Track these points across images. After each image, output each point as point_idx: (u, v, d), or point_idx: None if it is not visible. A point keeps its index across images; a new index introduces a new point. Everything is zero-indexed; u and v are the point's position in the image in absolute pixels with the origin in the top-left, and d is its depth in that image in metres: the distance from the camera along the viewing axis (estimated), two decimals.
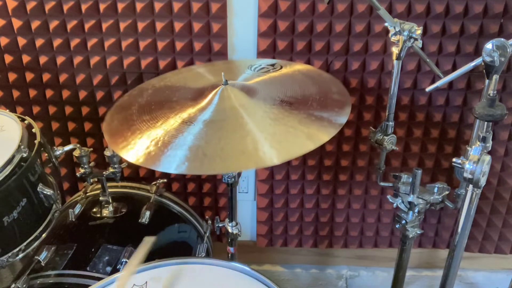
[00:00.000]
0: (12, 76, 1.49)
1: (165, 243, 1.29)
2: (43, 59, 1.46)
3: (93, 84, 1.49)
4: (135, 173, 1.62)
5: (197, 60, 1.44)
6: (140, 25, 1.40)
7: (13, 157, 1.07)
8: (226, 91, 1.05)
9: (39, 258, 1.12)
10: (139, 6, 1.38)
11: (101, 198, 1.29)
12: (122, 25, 1.41)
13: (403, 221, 1.22)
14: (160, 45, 1.43)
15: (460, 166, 0.98)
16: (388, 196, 1.22)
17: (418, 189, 1.17)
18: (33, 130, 1.20)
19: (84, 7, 1.38)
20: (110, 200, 1.30)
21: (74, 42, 1.44)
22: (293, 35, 1.40)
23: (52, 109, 1.54)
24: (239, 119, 0.97)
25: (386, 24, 1.09)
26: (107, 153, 1.29)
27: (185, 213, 1.39)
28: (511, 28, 1.34)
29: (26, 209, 1.11)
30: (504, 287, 1.67)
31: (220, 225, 1.26)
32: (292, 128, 0.94)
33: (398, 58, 1.10)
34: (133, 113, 1.07)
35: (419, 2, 1.33)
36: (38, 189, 1.15)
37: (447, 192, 1.19)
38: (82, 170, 1.29)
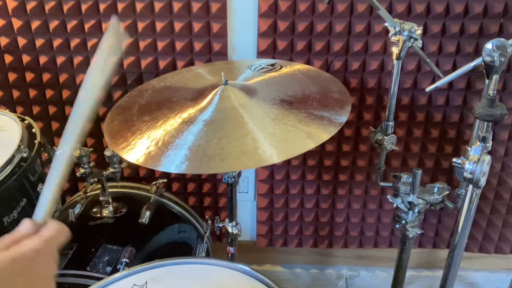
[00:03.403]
0: (12, 76, 1.49)
1: (165, 243, 1.29)
2: (43, 59, 1.46)
3: None
4: (135, 173, 1.62)
5: (197, 60, 1.44)
6: (140, 25, 1.40)
7: (13, 157, 1.07)
8: (226, 91, 1.05)
9: None
10: (139, 6, 1.38)
11: (101, 198, 1.29)
12: (122, 25, 1.41)
13: (403, 221, 1.22)
14: (160, 45, 1.43)
15: (460, 166, 0.98)
16: (388, 196, 1.22)
17: (418, 189, 1.17)
18: (33, 130, 1.20)
19: (84, 7, 1.38)
20: (110, 200, 1.29)
21: (74, 42, 1.44)
22: (293, 35, 1.40)
23: (52, 109, 1.54)
24: (239, 119, 0.97)
25: (386, 24, 1.09)
26: (107, 153, 1.29)
27: (185, 213, 1.39)
28: (511, 28, 1.34)
29: (26, 209, 1.11)
30: (504, 287, 1.66)
31: (220, 225, 1.26)
32: (292, 127, 0.94)
33: (398, 58, 1.10)
34: (133, 113, 1.07)
35: (419, 2, 1.33)
36: (38, 189, 1.15)
37: (447, 192, 1.19)
38: (82, 170, 1.29)
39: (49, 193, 0.64)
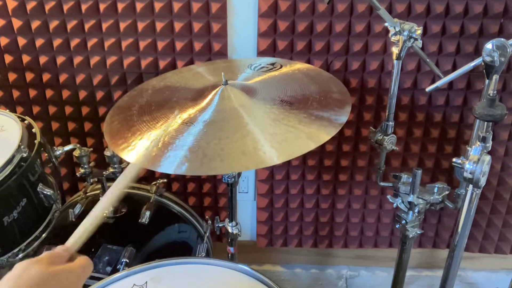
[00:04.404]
0: (12, 76, 1.49)
1: (165, 243, 1.29)
2: (43, 59, 1.46)
3: (93, 84, 1.49)
4: None
5: (197, 60, 1.44)
6: (140, 25, 1.40)
7: (13, 157, 1.07)
8: (226, 91, 1.05)
9: None
10: (139, 6, 1.38)
11: (101, 198, 1.29)
12: (122, 25, 1.41)
13: (403, 221, 1.22)
14: (160, 45, 1.43)
15: (460, 166, 0.98)
16: (388, 196, 1.22)
17: (418, 189, 1.17)
18: (33, 130, 1.20)
19: (84, 7, 1.38)
20: None
21: (74, 42, 1.44)
22: (293, 35, 1.40)
23: (52, 109, 1.54)
24: (239, 120, 0.97)
25: (386, 24, 1.09)
26: (107, 153, 1.29)
27: (185, 213, 1.39)
28: (511, 28, 1.34)
29: (26, 209, 1.11)
30: (504, 287, 1.66)
31: (220, 225, 1.26)
32: (292, 128, 0.94)
33: (398, 58, 1.10)
34: (133, 113, 1.07)
35: (419, 2, 1.33)
36: (38, 189, 1.15)
37: (447, 192, 1.19)
38: (82, 170, 1.29)
39: (85, 228, 0.71)
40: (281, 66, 1.21)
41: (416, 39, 1.08)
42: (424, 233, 1.69)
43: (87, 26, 1.41)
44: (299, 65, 1.23)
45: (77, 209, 1.27)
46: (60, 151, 1.27)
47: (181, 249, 1.32)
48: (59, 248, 0.66)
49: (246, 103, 1.02)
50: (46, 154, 1.24)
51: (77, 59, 1.46)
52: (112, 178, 1.32)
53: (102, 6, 1.38)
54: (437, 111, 1.48)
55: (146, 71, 1.46)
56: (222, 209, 1.69)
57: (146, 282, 0.88)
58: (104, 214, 0.77)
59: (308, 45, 1.41)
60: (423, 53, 1.16)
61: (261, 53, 1.42)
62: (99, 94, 1.51)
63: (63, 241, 1.17)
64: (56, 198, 1.20)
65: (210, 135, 0.93)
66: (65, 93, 1.51)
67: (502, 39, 0.91)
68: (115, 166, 1.30)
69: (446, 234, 1.68)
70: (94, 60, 1.46)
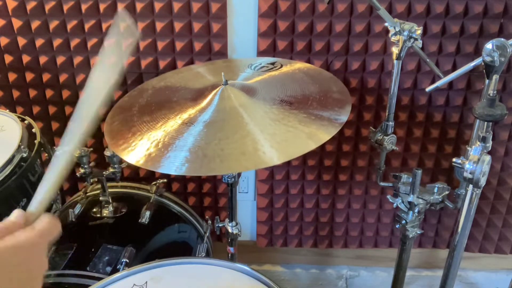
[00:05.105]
0: (12, 76, 1.49)
1: (165, 243, 1.29)
2: (43, 59, 1.46)
3: None
4: (135, 173, 1.62)
5: (197, 60, 1.44)
6: (140, 25, 1.40)
7: (13, 157, 1.07)
8: (226, 91, 1.05)
9: None
10: (139, 6, 1.38)
11: (101, 198, 1.29)
12: (122, 26, 1.40)
13: (403, 221, 1.22)
14: (160, 45, 1.43)
15: (460, 166, 0.98)
16: (388, 196, 1.22)
17: (418, 189, 1.17)
18: (33, 130, 1.20)
19: (84, 7, 1.38)
20: (110, 200, 1.29)
21: (74, 42, 1.44)
22: (293, 35, 1.40)
23: (52, 109, 1.54)
24: (239, 120, 0.97)
25: (386, 24, 1.09)
26: (107, 153, 1.29)
27: (185, 213, 1.39)
28: (511, 28, 1.34)
29: (26, 209, 1.11)
30: (504, 287, 1.66)
31: (220, 225, 1.26)
32: (292, 128, 0.94)
33: (398, 58, 1.10)
34: (134, 114, 1.07)
35: (419, 2, 1.33)
36: None
37: (447, 192, 1.19)
38: (82, 170, 1.29)
39: (45, 187, 0.62)
40: (281, 66, 1.21)
41: (416, 39, 1.08)
42: (424, 233, 1.69)
43: (87, 26, 1.41)
44: (300, 65, 1.23)
45: (77, 209, 1.27)
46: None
47: (181, 249, 1.32)
48: (13, 217, 0.57)
49: (246, 103, 1.02)
50: (46, 154, 1.24)
51: (77, 59, 1.46)
52: (112, 178, 1.32)
53: (102, 6, 1.38)
54: (437, 111, 1.48)
55: (146, 71, 1.46)
56: (222, 209, 1.69)
57: (146, 282, 0.88)
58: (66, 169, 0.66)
59: (308, 45, 1.41)
60: (423, 53, 1.16)
61: (261, 53, 1.42)
62: None
63: (62, 241, 1.17)
64: (56, 198, 1.20)
65: (210, 135, 0.93)
66: (65, 93, 1.51)
67: (502, 39, 0.91)
68: (115, 166, 1.30)
69: (446, 234, 1.68)
70: (94, 60, 1.46)
